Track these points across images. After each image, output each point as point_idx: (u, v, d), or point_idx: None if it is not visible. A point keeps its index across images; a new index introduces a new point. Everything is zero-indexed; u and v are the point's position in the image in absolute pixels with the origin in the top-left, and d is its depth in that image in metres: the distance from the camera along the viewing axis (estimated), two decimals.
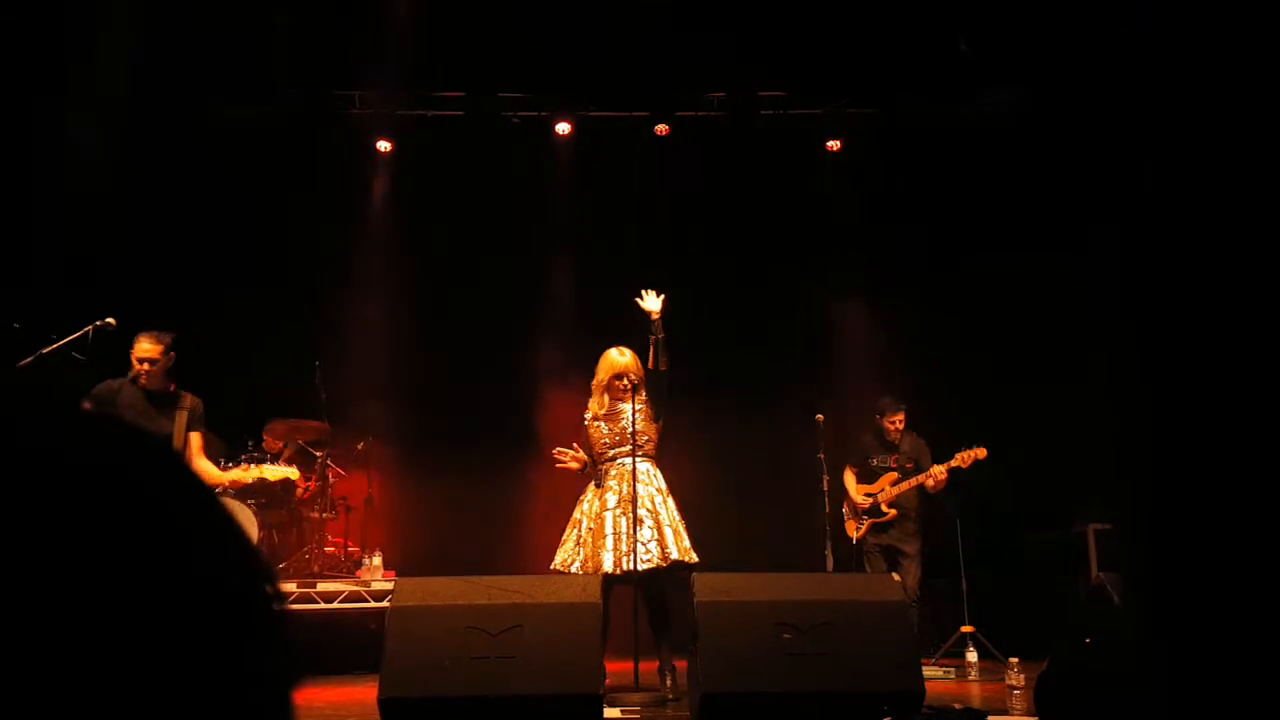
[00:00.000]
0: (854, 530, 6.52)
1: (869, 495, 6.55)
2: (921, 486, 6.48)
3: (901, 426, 6.63)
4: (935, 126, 7.87)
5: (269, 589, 0.36)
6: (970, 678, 5.61)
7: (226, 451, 6.23)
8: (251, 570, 0.36)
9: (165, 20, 6.73)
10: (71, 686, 0.29)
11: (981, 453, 6.37)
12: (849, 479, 6.60)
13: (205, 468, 5.15)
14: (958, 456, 6.39)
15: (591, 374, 5.28)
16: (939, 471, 6.34)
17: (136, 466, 0.34)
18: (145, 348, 4.85)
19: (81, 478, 0.32)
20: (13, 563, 0.29)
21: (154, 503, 0.33)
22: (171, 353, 4.92)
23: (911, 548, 6.44)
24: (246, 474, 5.12)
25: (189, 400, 4.97)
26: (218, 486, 5.11)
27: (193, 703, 0.31)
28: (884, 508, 6.48)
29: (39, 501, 0.31)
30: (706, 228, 8.08)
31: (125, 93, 6.84)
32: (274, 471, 5.12)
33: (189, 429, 4.92)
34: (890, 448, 6.62)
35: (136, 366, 4.85)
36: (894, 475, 6.50)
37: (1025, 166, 7.45)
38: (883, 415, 6.63)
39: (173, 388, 5.00)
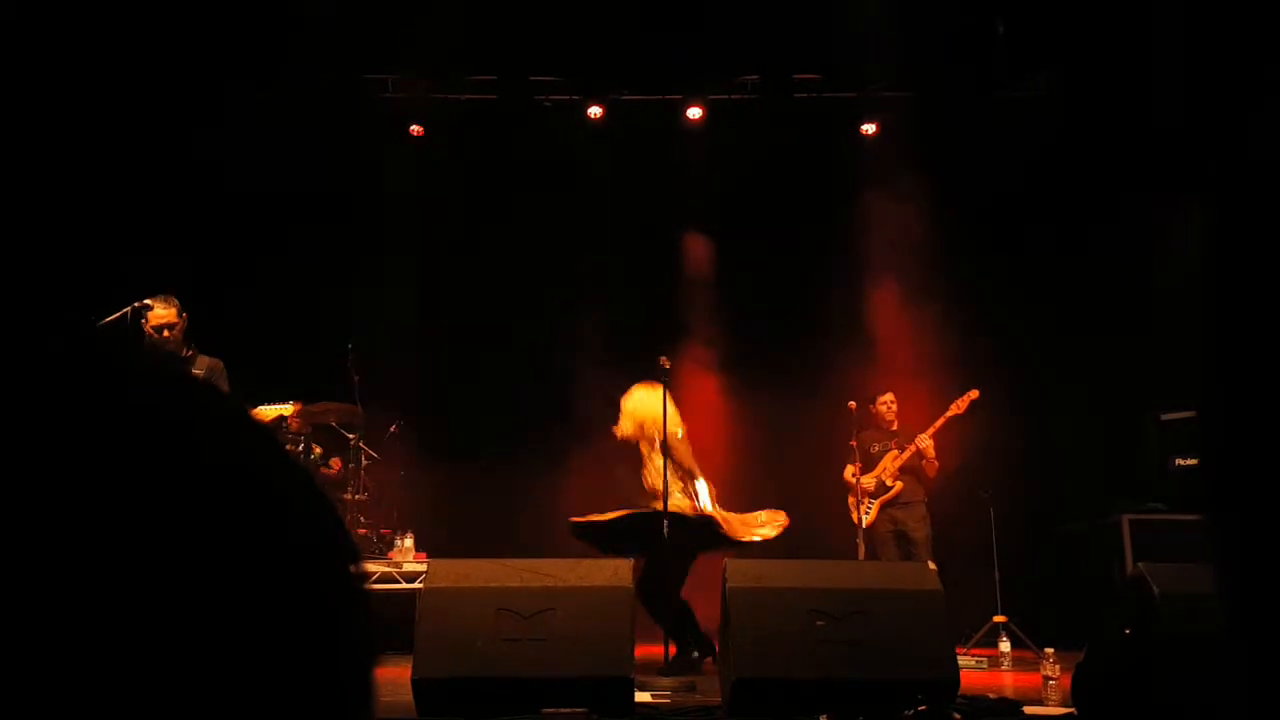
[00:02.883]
0: (860, 517, 6.48)
1: (873, 478, 6.54)
2: (923, 475, 6.48)
3: (894, 408, 6.66)
4: (972, 109, 7.76)
5: (354, 567, 0.36)
6: (1003, 667, 5.57)
7: None
8: (340, 547, 0.35)
9: (197, 4, 6.77)
10: (167, 654, 0.28)
11: (974, 394, 6.41)
12: (849, 473, 6.59)
13: None
14: (951, 407, 6.42)
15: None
16: (922, 439, 6.37)
17: (247, 443, 0.34)
18: (161, 314, 4.63)
19: (196, 454, 0.32)
20: (120, 528, 0.29)
21: (263, 480, 0.33)
22: (184, 314, 4.74)
23: (920, 533, 6.42)
24: None
25: (205, 362, 4.79)
26: None
27: (279, 674, 0.31)
28: (889, 481, 6.48)
29: (151, 470, 0.30)
30: (740, 212, 8.03)
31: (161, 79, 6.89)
32: (267, 411, 4.91)
33: None
34: (888, 434, 6.63)
35: (154, 334, 4.62)
36: (894, 453, 6.52)
37: (1063, 149, 7.35)
38: (873, 401, 6.68)
39: (190, 351, 4.81)
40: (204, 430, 0.33)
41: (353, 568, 0.35)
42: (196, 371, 4.72)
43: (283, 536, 0.33)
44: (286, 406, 5.09)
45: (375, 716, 0.36)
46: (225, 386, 4.76)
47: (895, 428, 6.68)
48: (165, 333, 4.63)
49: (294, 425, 6.93)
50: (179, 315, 4.68)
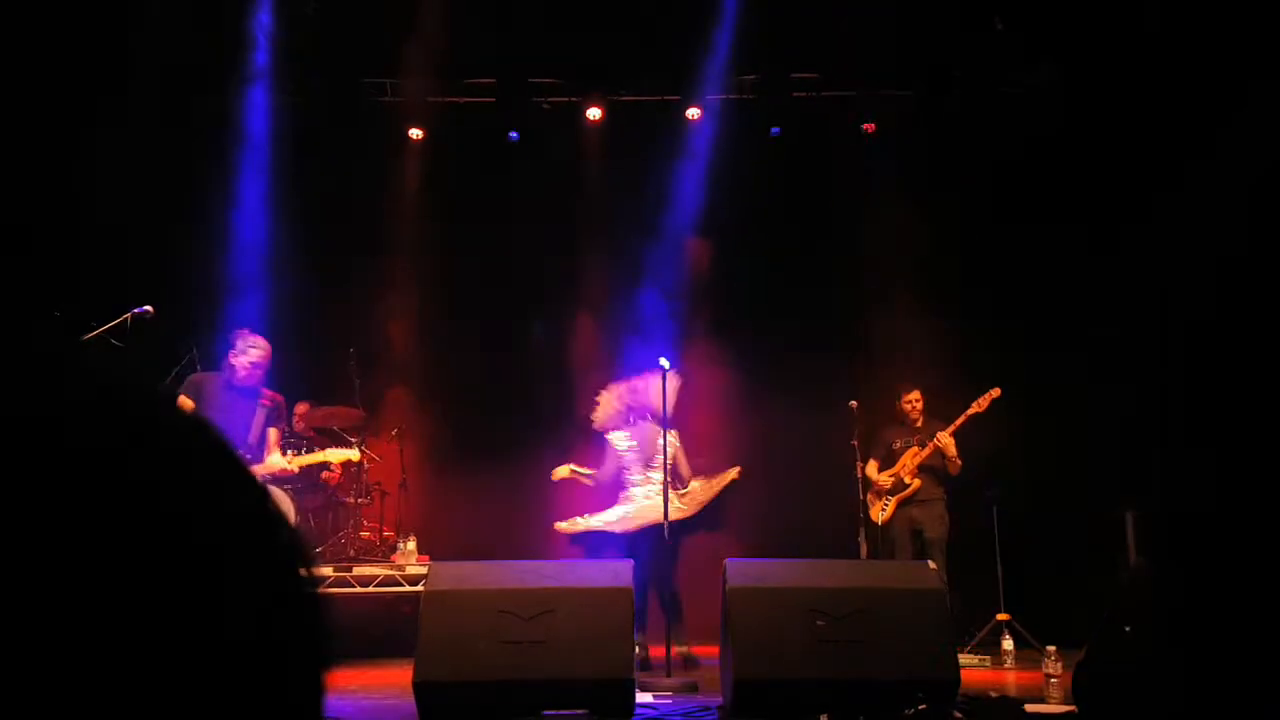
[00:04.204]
0: (879, 514, 6.45)
1: (891, 476, 6.49)
2: (946, 473, 6.44)
3: (920, 405, 6.60)
4: (972, 107, 7.74)
5: (304, 572, 0.36)
6: (1005, 665, 5.56)
7: None
8: (287, 553, 0.35)
9: (195, 10, 6.79)
10: (104, 665, 0.28)
11: (996, 392, 6.35)
12: (871, 469, 6.55)
13: (276, 461, 5.23)
14: (973, 404, 6.36)
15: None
16: (943, 437, 6.31)
17: (171, 448, 0.34)
18: (258, 351, 5.03)
19: (125, 459, 0.32)
20: (51, 541, 0.29)
21: (192, 485, 0.33)
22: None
23: (936, 533, 6.33)
24: (309, 460, 5.42)
25: (268, 397, 5.18)
26: (285, 475, 5.34)
27: (222, 681, 0.31)
28: (907, 479, 6.42)
29: (76, 482, 0.31)
30: (740, 212, 8.03)
31: (159, 85, 6.90)
32: (336, 455, 5.47)
33: (267, 424, 5.11)
34: (912, 430, 6.58)
35: (248, 368, 4.99)
36: (914, 450, 6.46)
37: (1063, 146, 7.33)
38: (899, 398, 6.64)
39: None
40: (147, 442, 0.34)
41: (303, 572, 0.35)
42: (264, 404, 5.06)
43: (226, 544, 0.33)
44: (354, 452, 5.65)
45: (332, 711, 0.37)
46: (283, 421, 5.33)
47: (919, 425, 6.62)
48: (258, 370, 5.05)
49: (297, 428, 6.97)
50: (269, 355, 5.11)
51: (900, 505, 6.46)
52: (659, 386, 5.20)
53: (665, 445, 5.10)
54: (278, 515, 0.35)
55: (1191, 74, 6.51)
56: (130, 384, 0.34)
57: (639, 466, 5.61)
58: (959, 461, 6.38)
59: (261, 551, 0.34)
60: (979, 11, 7.38)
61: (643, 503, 5.49)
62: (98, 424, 0.31)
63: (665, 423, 5.06)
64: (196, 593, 0.30)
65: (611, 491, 5.70)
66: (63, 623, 0.28)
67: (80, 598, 0.28)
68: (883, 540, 6.44)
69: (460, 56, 7.60)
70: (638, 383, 5.69)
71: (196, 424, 0.35)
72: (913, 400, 6.61)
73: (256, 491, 0.35)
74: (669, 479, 5.15)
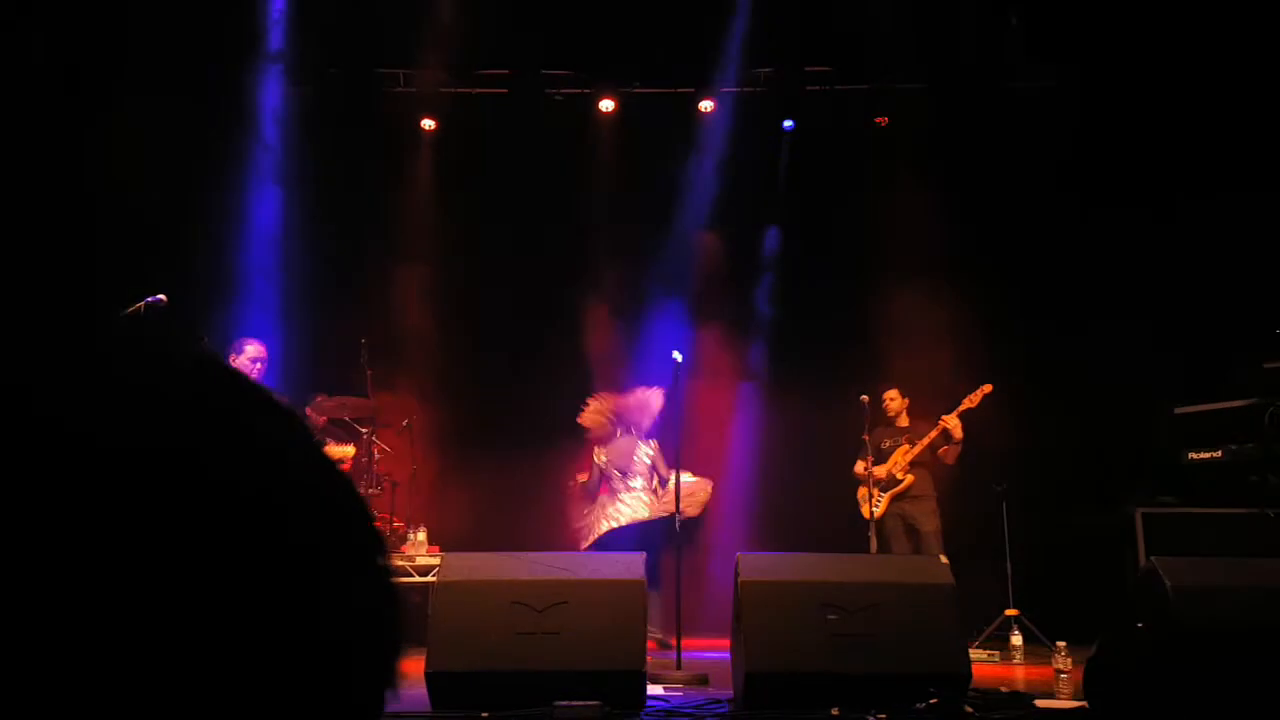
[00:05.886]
0: (869, 509, 6.45)
1: (885, 470, 6.50)
2: (937, 469, 6.44)
3: (900, 403, 6.63)
4: (984, 103, 7.71)
5: (381, 561, 0.37)
6: (1015, 661, 5.56)
7: None
8: (366, 540, 0.36)
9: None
10: (194, 635, 0.29)
11: (988, 388, 6.35)
12: (859, 468, 6.55)
13: None
14: (965, 400, 6.37)
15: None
16: (949, 419, 6.30)
17: (277, 435, 0.35)
18: (255, 351, 5.43)
19: (224, 443, 0.32)
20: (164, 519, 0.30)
21: (288, 471, 0.34)
22: None
23: (929, 526, 6.35)
24: None
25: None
26: None
27: (297, 662, 0.32)
28: (899, 475, 6.43)
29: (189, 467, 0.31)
30: (753, 205, 8.01)
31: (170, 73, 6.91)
32: (333, 452, 5.52)
33: None
34: (898, 430, 6.60)
35: (250, 374, 5.15)
36: (905, 447, 6.47)
37: (1075, 142, 7.30)
38: (879, 398, 6.67)
39: None
40: (235, 420, 0.34)
41: (379, 560, 0.36)
42: None
43: (304, 528, 0.33)
44: (349, 449, 6.14)
45: (391, 703, 0.37)
46: None
47: (902, 423, 6.65)
48: (259, 365, 5.42)
49: (316, 422, 7.00)
50: (266, 356, 5.56)
51: (892, 500, 6.48)
52: (649, 403, 5.77)
53: (655, 456, 5.36)
54: (362, 505, 0.36)
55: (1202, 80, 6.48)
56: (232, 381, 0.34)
57: (618, 479, 6.03)
58: (960, 448, 6.36)
59: (349, 542, 0.35)
60: (994, 6, 7.35)
61: (622, 506, 5.91)
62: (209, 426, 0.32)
63: (676, 435, 5.20)
64: (292, 581, 0.31)
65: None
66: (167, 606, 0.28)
67: (195, 592, 0.29)
68: (877, 536, 6.44)
69: (473, 47, 7.59)
70: (629, 399, 6.07)
71: (276, 404, 0.36)
72: (889, 397, 6.66)
73: (338, 474, 0.36)
74: (659, 483, 5.43)
